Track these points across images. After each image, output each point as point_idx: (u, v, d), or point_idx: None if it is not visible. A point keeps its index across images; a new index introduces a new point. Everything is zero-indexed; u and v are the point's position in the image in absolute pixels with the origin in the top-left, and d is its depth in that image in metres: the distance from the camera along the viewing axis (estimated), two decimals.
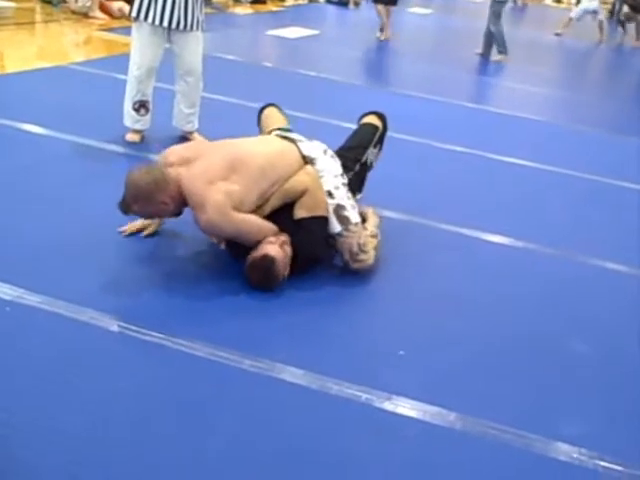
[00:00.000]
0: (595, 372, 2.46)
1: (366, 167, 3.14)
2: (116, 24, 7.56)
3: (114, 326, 2.32)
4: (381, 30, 9.32)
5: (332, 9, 12.19)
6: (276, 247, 2.64)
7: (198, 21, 4.04)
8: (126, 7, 7.96)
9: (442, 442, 2.03)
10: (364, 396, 2.15)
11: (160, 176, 2.58)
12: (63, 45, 6.82)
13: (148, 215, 2.79)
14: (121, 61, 5.89)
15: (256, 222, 2.68)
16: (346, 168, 3.00)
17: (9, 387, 2.00)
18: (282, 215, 2.75)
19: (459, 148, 4.68)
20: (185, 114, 4.17)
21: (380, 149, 3.22)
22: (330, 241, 2.83)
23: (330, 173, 2.89)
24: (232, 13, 9.66)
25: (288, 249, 2.68)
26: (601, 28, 12.35)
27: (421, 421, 2.09)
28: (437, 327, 2.62)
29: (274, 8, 11.02)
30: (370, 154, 3.14)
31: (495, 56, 8.64)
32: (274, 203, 2.75)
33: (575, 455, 2.02)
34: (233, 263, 2.78)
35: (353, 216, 2.84)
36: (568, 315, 2.81)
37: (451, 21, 13.27)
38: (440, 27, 12.31)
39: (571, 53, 11.62)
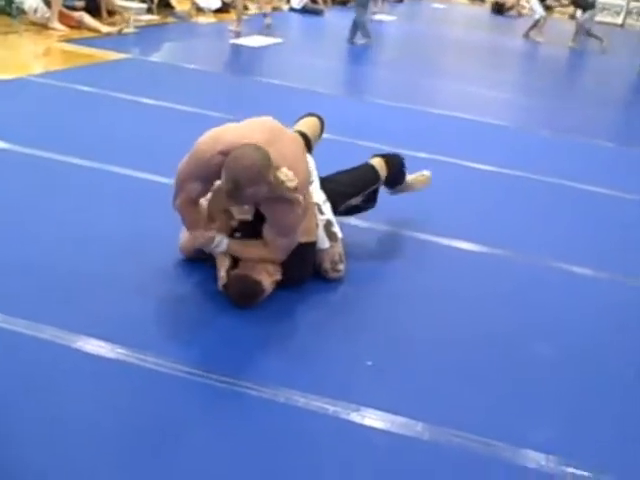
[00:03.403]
0: (561, 376, 2.47)
1: (344, 210, 3.07)
2: (76, 35, 7.47)
3: (78, 343, 2.28)
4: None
5: (297, 17, 12.19)
6: (269, 280, 2.61)
7: None
8: (86, 17, 7.90)
9: (410, 453, 2.02)
10: (331, 408, 2.13)
11: (268, 154, 2.39)
12: (22, 57, 6.72)
13: (252, 201, 2.49)
14: (81, 73, 5.86)
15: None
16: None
17: None
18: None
19: (424, 155, 4.68)
20: None
21: (369, 200, 3.15)
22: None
23: (317, 187, 2.88)
24: (195, 22, 9.61)
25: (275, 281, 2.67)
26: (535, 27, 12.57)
27: (389, 432, 2.07)
28: (404, 336, 2.60)
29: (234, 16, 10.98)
30: (354, 200, 3.08)
31: (360, 40, 9.48)
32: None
33: (543, 462, 2.02)
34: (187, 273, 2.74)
35: (339, 230, 2.86)
36: (534, 319, 2.82)
37: (415, 27, 13.35)
38: (404, 34, 12.37)
39: (527, 57, 11.76)
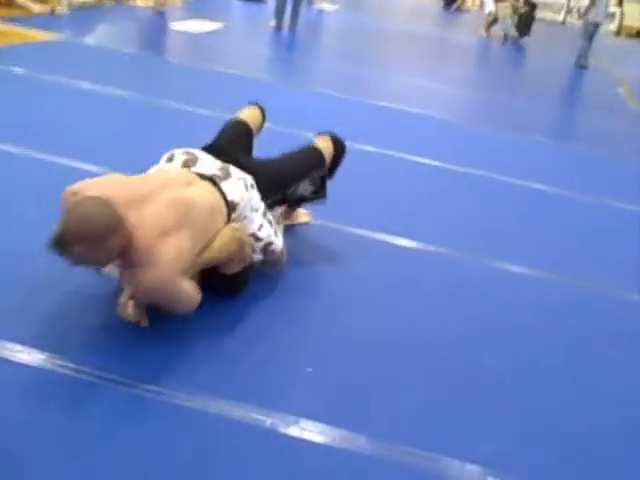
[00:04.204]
0: (505, 387, 2.37)
1: (292, 198, 2.89)
2: (4, 13, 7.10)
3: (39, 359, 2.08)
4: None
5: (238, 4, 11.94)
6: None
7: None
8: None
9: (352, 468, 1.89)
10: (268, 420, 1.99)
11: (117, 215, 2.03)
12: None
13: (84, 261, 2.10)
14: (9, 52, 5.53)
15: (192, 292, 2.23)
16: (265, 194, 2.67)
17: None
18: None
19: (370, 148, 4.58)
20: None
21: (317, 185, 2.94)
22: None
23: (252, 210, 2.56)
24: (133, 5, 9.28)
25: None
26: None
27: (329, 446, 1.95)
28: (345, 339, 2.48)
29: (177, 2, 10.69)
30: (301, 187, 2.86)
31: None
32: (200, 263, 2.31)
33: (489, 478, 1.92)
34: None
35: (277, 244, 2.65)
36: (477, 324, 2.73)
37: (358, 18, 13.25)
38: (347, 24, 12.26)
39: (468, 51, 11.81)
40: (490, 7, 12.71)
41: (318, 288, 2.81)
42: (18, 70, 5.04)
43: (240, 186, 2.51)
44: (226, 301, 2.52)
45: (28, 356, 2.08)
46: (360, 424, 2.04)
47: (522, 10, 12.54)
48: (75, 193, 2.17)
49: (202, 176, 2.45)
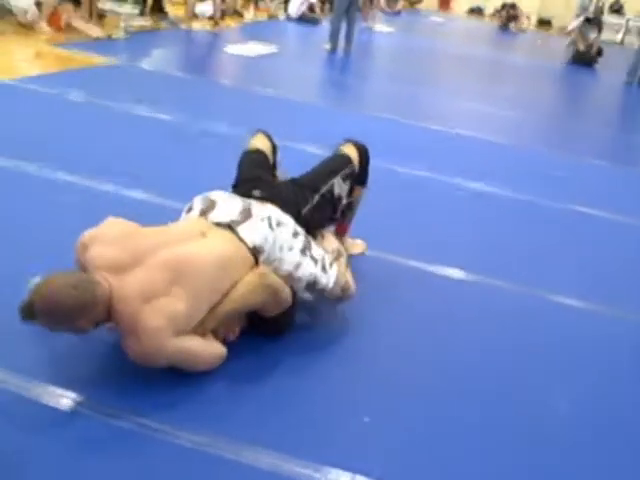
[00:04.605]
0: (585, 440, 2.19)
1: (331, 200, 2.67)
2: (63, 38, 7.20)
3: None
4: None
5: (293, 26, 11.96)
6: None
7: None
8: (74, 20, 7.64)
9: None
10: (321, 477, 1.85)
11: (90, 297, 1.94)
12: (5, 59, 6.44)
13: (53, 330, 2.03)
14: (67, 77, 5.57)
15: (206, 349, 2.13)
16: (300, 204, 2.57)
17: None
18: None
19: (422, 173, 4.44)
20: None
21: (355, 184, 2.81)
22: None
23: (284, 249, 2.38)
24: (189, 29, 9.34)
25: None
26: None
27: None
28: (402, 381, 2.32)
29: (232, 24, 10.74)
30: (336, 186, 2.69)
31: (326, 45, 9.23)
32: (220, 316, 2.17)
33: None
34: None
35: (325, 280, 2.44)
36: (541, 363, 2.55)
37: (413, 40, 13.14)
38: (401, 46, 12.15)
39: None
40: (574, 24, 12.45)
41: (370, 323, 2.66)
42: (76, 96, 5.05)
43: (263, 227, 2.35)
44: (269, 340, 2.39)
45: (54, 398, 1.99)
46: None
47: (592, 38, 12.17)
48: (86, 246, 2.14)
49: (219, 224, 2.31)
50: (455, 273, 3.13)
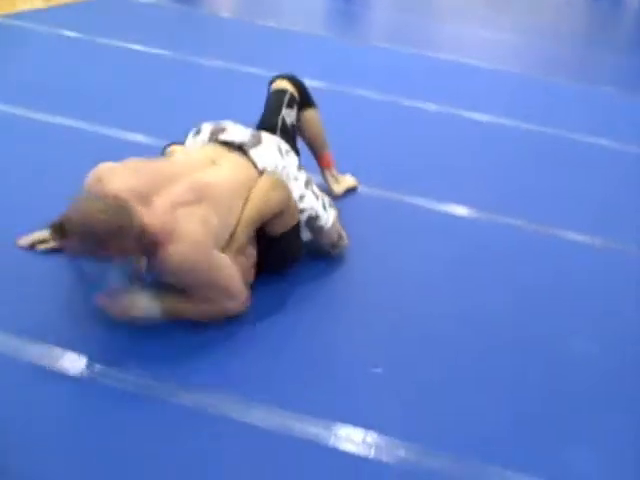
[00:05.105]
0: (604, 377, 2.09)
1: (288, 131, 2.62)
2: None
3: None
4: None
5: None
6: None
7: None
8: None
9: None
10: (331, 436, 1.76)
11: (127, 221, 1.85)
12: None
13: (82, 255, 1.97)
14: (59, 13, 5.32)
15: (234, 275, 2.05)
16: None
17: None
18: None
19: (431, 106, 4.24)
20: None
21: (304, 109, 2.73)
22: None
23: (290, 178, 2.35)
24: None
25: None
26: None
27: (404, 465, 1.70)
28: (415, 329, 2.21)
29: None
30: (286, 116, 2.63)
31: None
32: (241, 238, 2.13)
33: None
34: None
35: (325, 219, 2.40)
36: (557, 303, 2.45)
37: None
38: None
39: None
40: None
41: (374, 268, 2.54)
42: (68, 33, 4.83)
43: (273, 152, 2.35)
44: (274, 289, 2.28)
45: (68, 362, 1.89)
46: (439, 439, 1.79)
47: None
48: (100, 180, 2.02)
49: (230, 145, 2.29)
50: (462, 211, 3.00)
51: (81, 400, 1.80)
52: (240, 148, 2.30)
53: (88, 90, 3.82)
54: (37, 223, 2.32)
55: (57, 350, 1.91)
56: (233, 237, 2.10)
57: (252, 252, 2.19)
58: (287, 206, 2.24)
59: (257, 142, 2.34)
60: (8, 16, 5.10)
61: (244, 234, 2.13)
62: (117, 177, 2.01)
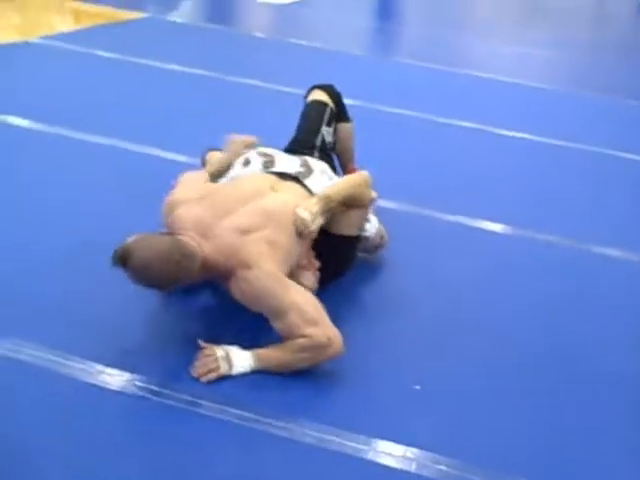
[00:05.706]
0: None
1: (325, 149, 2.69)
2: None
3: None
4: None
5: None
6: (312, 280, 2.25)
7: None
8: None
9: None
10: (370, 450, 1.76)
11: (184, 257, 1.90)
12: (30, 16, 6.33)
13: (145, 285, 1.96)
14: (96, 34, 5.43)
15: (309, 296, 2.04)
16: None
17: None
18: None
19: (465, 123, 4.25)
20: None
21: (339, 123, 2.78)
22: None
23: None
24: None
25: None
26: None
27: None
28: (453, 348, 2.21)
29: None
30: (326, 134, 2.70)
31: None
32: (333, 201, 2.21)
33: None
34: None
35: (368, 227, 2.54)
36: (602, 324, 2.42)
37: None
38: None
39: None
40: None
41: (410, 284, 2.55)
42: (105, 53, 4.93)
43: (325, 180, 2.42)
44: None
45: (111, 378, 1.92)
46: (477, 455, 1.78)
47: None
48: (172, 209, 2.14)
49: (285, 176, 2.35)
50: (497, 227, 3.01)
51: (129, 416, 1.82)
52: (296, 178, 2.36)
53: (129, 110, 3.90)
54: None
55: (99, 367, 1.94)
56: (327, 196, 2.20)
57: (314, 261, 2.26)
58: (364, 207, 2.36)
59: (309, 172, 2.41)
60: (47, 37, 5.23)
61: (338, 196, 2.22)
62: (184, 207, 2.10)
